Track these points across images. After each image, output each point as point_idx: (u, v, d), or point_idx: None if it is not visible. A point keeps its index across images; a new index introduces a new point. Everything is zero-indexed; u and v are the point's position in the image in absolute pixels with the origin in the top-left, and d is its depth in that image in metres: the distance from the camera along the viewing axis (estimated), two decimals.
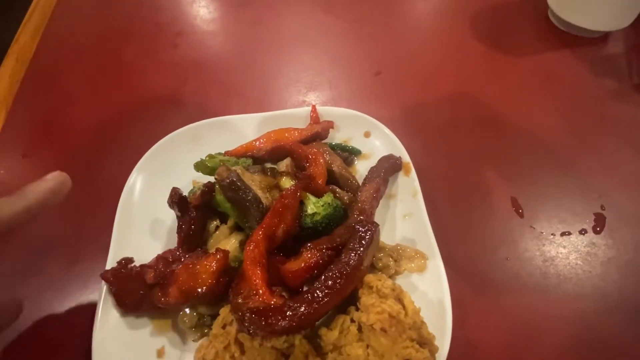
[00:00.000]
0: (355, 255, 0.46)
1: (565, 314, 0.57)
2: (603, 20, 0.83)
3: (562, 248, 0.63)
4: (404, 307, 0.44)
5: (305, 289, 0.50)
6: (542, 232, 0.64)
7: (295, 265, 0.47)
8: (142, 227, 0.63)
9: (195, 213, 0.58)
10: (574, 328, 0.56)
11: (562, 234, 0.64)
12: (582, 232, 0.64)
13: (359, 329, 0.45)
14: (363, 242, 0.47)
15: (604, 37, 0.88)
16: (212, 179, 0.60)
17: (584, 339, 0.55)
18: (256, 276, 0.45)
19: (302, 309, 0.42)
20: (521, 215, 0.66)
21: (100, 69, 0.88)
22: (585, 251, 0.62)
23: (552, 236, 0.64)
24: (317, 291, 0.43)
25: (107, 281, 0.55)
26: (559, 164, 0.71)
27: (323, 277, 0.45)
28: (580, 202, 0.67)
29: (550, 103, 0.80)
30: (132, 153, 0.68)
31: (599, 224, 0.65)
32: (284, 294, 0.48)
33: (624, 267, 0.61)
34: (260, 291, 0.44)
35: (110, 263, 0.58)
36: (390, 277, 0.57)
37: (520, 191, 0.68)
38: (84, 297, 0.60)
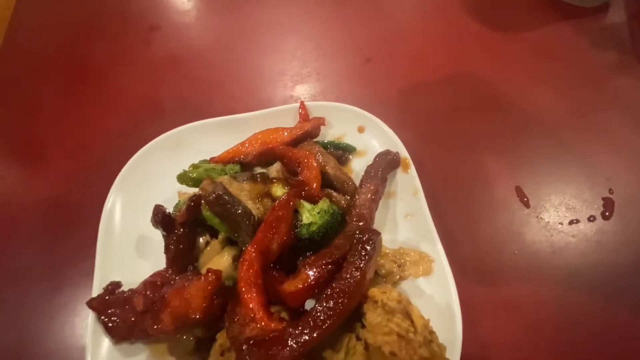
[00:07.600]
0: (357, 271, 0.42)
1: (577, 307, 0.55)
2: None
3: (571, 237, 0.60)
4: (412, 322, 0.41)
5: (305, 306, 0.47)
6: (550, 222, 0.61)
7: (293, 285, 0.44)
8: (128, 246, 0.59)
9: (182, 230, 0.54)
10: (588, 321, 0.54)
11: (570, 223, 0.61)
12: (591, 219, 0.62)
13: (366, 348, 0.42)
14: (364, 254, 0.44)
15: (604, 6, 0.83)
16: (198, 190, 0.56)
17: (599, 333, 0.53)
18: (252, 300, 0.42)
19: (305, 335, 0.39)
20: (527, 205, 0.63)
21: (68, 76, 0.82)
22: (595, 240, 0.60)
23: (560, 225, 0.61)
24: (320, 314, 0.40)
25: (94, 309, 0.52)
26: (564, 147, 0.68)
27: (324, 296, 0.42)
28: (588, 186, 0.64)
29: (551, 81, 0.75)
30: (110, 165, 0.64)
31: (608, 209, 0.62)
32: (283, 314, 0.45)
33: (636, 253, 0.58)
34: (257, 316, 0.41)
35: (97, 289, 0.54)
36: (395, 282, 0.54)
37: (524, 179, 0.65)
38: (73, 327, 0.57)
